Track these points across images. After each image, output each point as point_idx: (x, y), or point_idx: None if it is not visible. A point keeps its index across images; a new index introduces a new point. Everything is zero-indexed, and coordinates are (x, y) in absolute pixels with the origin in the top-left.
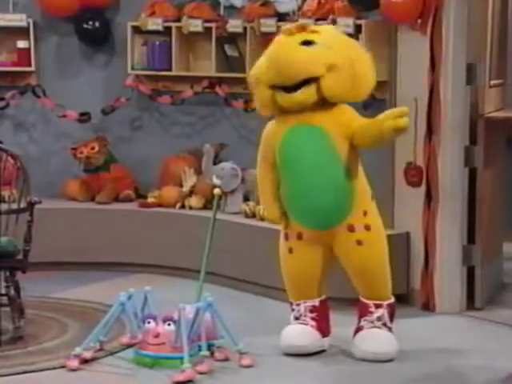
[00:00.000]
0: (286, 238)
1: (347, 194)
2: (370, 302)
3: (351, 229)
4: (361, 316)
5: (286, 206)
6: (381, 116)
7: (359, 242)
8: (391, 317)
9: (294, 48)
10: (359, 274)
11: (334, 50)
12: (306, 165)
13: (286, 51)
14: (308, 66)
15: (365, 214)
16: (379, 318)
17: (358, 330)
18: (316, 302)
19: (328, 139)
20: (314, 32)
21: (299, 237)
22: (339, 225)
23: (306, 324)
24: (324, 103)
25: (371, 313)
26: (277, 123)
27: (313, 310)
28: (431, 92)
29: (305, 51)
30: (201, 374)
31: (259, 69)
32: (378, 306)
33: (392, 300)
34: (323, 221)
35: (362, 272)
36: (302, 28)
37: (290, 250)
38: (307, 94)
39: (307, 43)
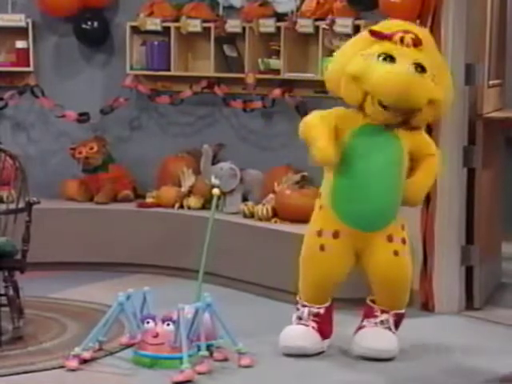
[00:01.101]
0: (319, 234)
1: (396, 204)
2: (377, 307)
3: (390, 239)
4: (365, 317)
5: (331, 201)
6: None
7: (396, 253)
8: (396, 325)
9: (418, 80)
10: (388, 283)
11: (436, 82)
12: (374, 167)
13: (410, 80)
14: (422, 100)
15: (402, 227)
16: (383, 322)
17: (359, 328)
18: (322, 310)
19: (401, 151)
20: (419, 48)
21: (335, 235)
22: (380, 231)
23: (307, 325)
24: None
25: (376, 316)
26: (357, 113)
27: (316, 315)
28: None
29: (424, 83)
30: (200, 374)
31: (367, 75)
32: (383, 312)
33: (402, 311)
34: (368, 223)
35: (392, 282)
36: (417, 43)
37: (322, 248)
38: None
39: (421, 69)
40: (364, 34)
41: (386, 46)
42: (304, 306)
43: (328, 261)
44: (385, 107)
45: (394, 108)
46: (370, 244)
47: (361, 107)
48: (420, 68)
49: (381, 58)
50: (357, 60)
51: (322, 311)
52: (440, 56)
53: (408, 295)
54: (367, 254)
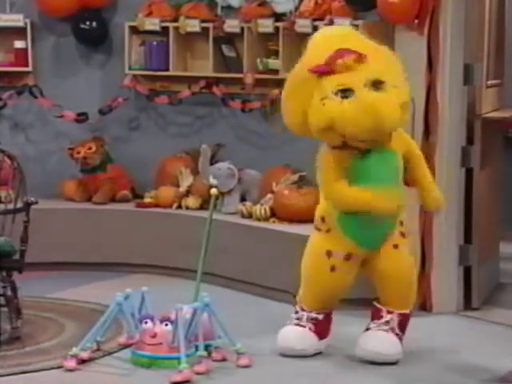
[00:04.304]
0: (329, 255)
1: (398, 213)
2: (384, 308)
3: (387, 235)
4: (371, 319)
5: (342, 227)
6: (433, 187)
7: (395, 246)
8: (401, 325)
9: (391, 107)
10: (390, 278)
11: (396, 83)
12: (379, 187)
13: (384, 111)
14: (396, 115)
15: (401, 223)
16: (387, 323)
17: (365, 331)
18: (321, 316)
19: (397, 160)
20: (365, 62)
21: (347, 257)
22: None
23: (304, 327)
24: None
25: (381, 317)
26: (340, 150)
27: (315, 320)
28: (428, 92)
29: (390, 99)
30: (198, 374)
31: (337, 122)
32: (389, 312)
33: (407, 311)
34: (380, 242)
35: (394, 275)
36: (360, 60)
37: (333, 269)
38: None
39: (379, 83)
40: (304, 75)
41: (338, 80)
42: (303, 309)
43: (339, 281)
44: (364, 142)
45: (373, 136)
46: (378, 251)
47: (345, 145)
48: (378, 84)
49: (338, 96)
50: (318, 109)
51: (320, 317)
52: (384, 48)
53: (413, 293)
54: (373, 258)
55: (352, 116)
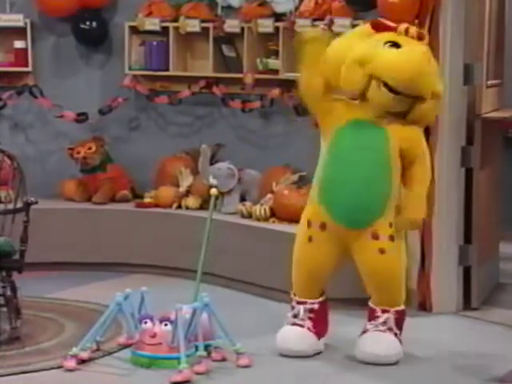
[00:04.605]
0: (309, 225)
1: (382, 201)
2: (378, 308)
3: (375, 237)
4: (368, 320)
5: (318, 194)
6: (411, 205)
7: (382, 251)
8: (398, 323)
9: (428, 68)
10: (376, 281)
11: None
12: (358, 162)
13: (422, 66)
14: (429, 89)
15: (390, 225)
16: (384, 323)
17: (363, 332)
18: (315, 305)
19: (387, 144)
20: (423, 42)
21: (322, 227)
22: (364, 228)
23: (302, 326)
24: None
25: (377, 317)
26: (348, 105)
27: (311, 311)
28: None
29: (432, 73)
30: (198, 374)
31: (374, 58)
32: (384, 311)
33: (401, 307)
34: (351, 218)
35: (380, 279)
36: (421, 37)
37: (310, 239)
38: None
39: (427, 60)
40: (365, 26)
41: (391, 36)
42: (299, 303)
43: (315, 251)
44: (392, 91)
45: (403, 92)
46: (355, 241)
47: (360, 95)
48: (427, 59)
49: (387, 45)
50: (361, 46)
51: (316, 307)
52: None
53: (402, 291)
54: (354, 251)
55: (395, 56)
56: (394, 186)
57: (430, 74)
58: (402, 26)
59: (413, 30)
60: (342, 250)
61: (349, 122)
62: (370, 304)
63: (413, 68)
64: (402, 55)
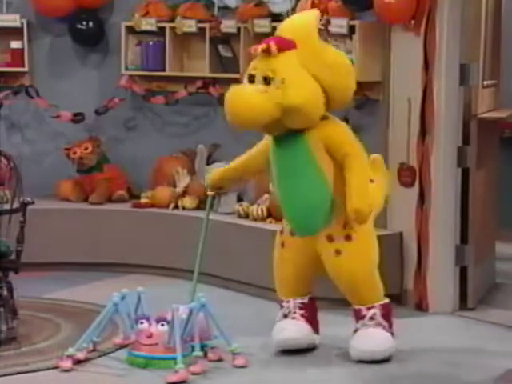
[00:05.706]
0: (281, 232)
1: (322, 204)
2: (362, 307)
3: (330, 239)
4: (356, 321)
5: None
6: (354, 195)
7: (338, 252)
8: (385, 316)
9: (255, 99)
10: (340, 283)
11: (288, 84)
12: (284, 170)
13: (240, 102)
14: (264, 117)
15: (345, 226)
16: (372, 318)
17: (354, 332)
18: (305, 299)
19: (307, 148)
20: (274, 55)
21: (292, 233)
22: (316, 234)
23: (295, 318)
24: None
25: (364, 316)
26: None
27: (302, 307)
28: (424, 92)
29: (265, 99)
30: (194, 374)
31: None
32: (369, 308)
33: (385, 301)
34: (299, 227)
35: (344, 281)
36: (269, 51)
37: (283, 244)
38: None
39: (266, 80)
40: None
41: (253, 64)
42: (287, 301)
43: (288, 256)
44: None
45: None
46: (316, 245)
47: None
48: (265, 80)
49: (246, 81)
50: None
51: (305, 301)
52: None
53: (375, 287)
54: (320, 255)
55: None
56: (330, 186)
57: (261, 103)
58: (258, 49)
59: (259, 49)
60: (313, 253)
61: (273, 136)
62: (354, 306)
63: (231, 108)
64: (231, 95)
